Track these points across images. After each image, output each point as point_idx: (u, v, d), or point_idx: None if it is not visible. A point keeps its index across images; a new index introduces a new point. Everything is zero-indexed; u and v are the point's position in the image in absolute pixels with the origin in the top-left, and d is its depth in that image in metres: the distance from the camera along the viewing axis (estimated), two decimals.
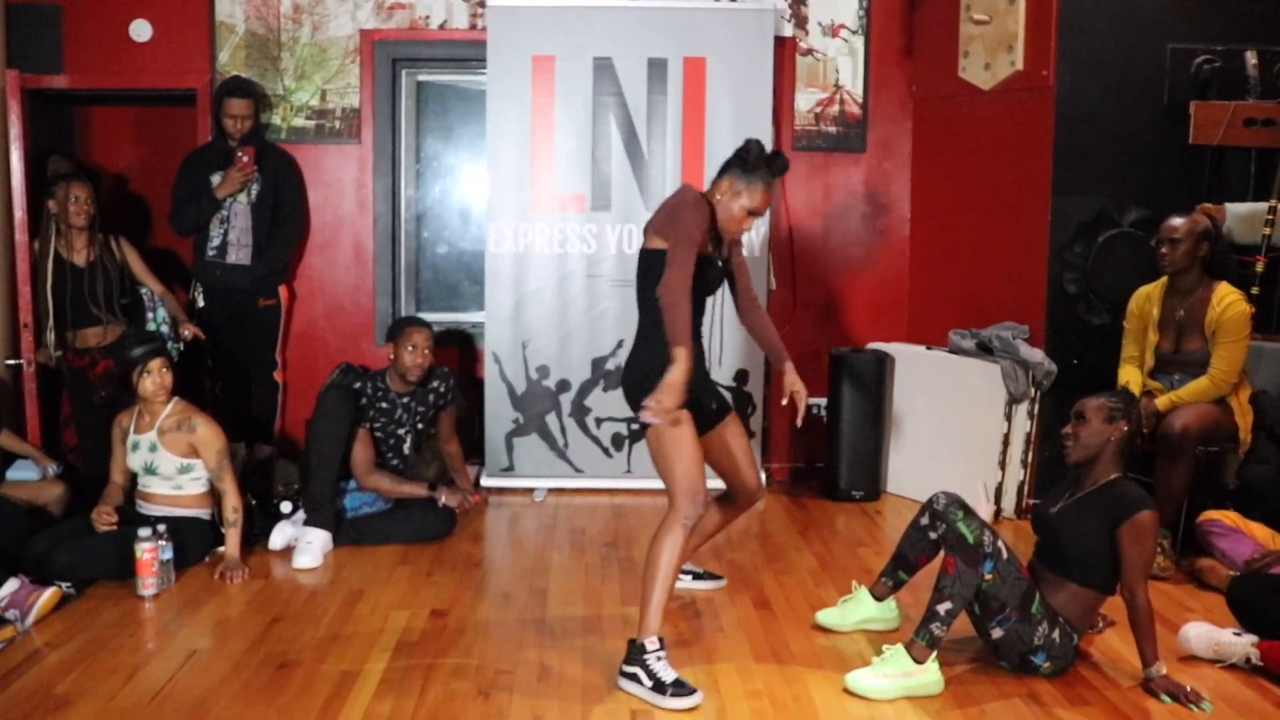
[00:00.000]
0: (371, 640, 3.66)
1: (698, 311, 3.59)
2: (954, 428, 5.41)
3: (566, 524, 5.10)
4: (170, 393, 4.34)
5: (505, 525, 5.14)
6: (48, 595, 3.81)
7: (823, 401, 5.80)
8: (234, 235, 5.42)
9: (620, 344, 5.57)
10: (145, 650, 3.60)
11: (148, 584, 4.00)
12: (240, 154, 5.35)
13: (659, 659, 3.28)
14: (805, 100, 5.94)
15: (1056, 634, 3.41)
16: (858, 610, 3.84)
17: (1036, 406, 5.22)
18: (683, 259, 3.35)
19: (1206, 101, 5.10)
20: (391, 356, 4.80)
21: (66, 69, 5.65)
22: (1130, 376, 4.74)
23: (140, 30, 5.66)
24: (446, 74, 6.12)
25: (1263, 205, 5.10)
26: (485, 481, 5.56)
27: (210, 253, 5.42)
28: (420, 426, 4.95)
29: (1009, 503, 5.28)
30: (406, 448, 4.94)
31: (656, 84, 5.54)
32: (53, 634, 3.68)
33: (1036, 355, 5.17)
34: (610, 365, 5.59)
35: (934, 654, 3.35)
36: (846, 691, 3.33)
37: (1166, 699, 3.31)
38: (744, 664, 3.57)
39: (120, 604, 3.94)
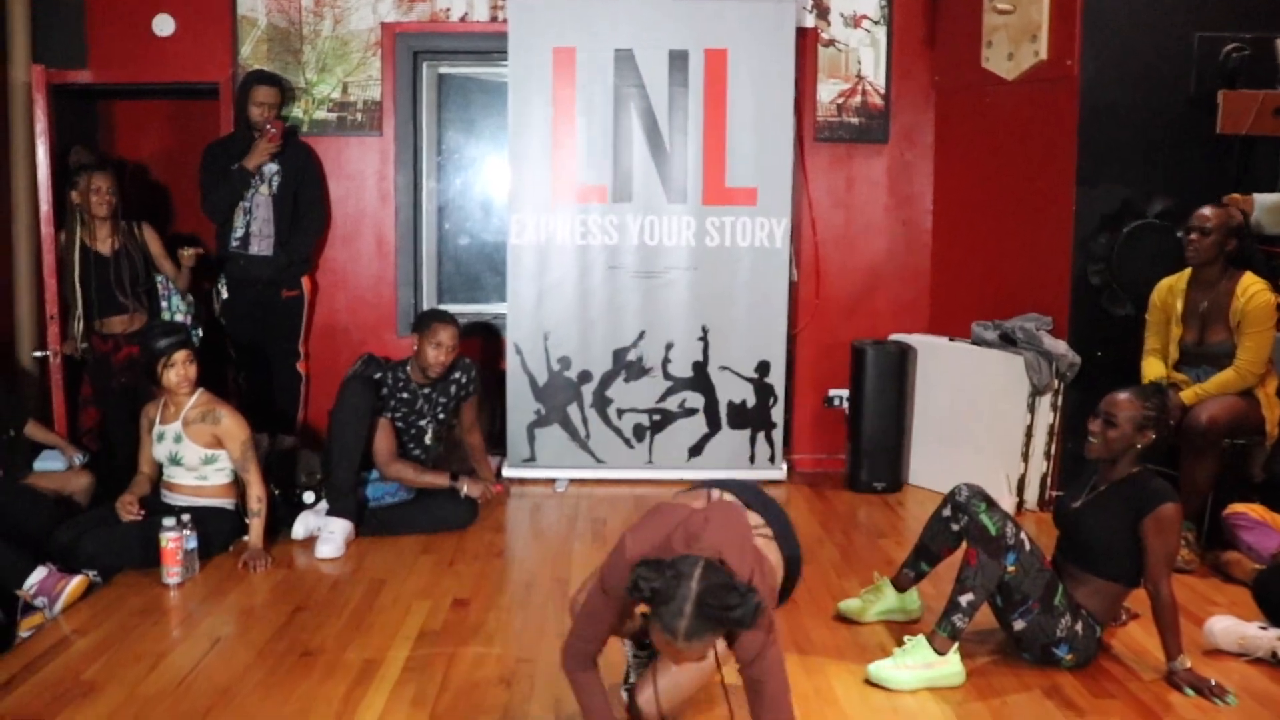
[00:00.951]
0: (394, 629, 3.68)
1: None
2: (976, 420, 5.38)
3: (588, 514, 5.11)
4: (194, 384, 4.37)
5: (527, 515, 5.15)
6: (75, 583, 3.85)
7: (845, 393, 5.79)
8: (256, 226, 5.45)
9: (642, 335, 5.57)
10: (170, 638, 3.63)
11: (172, 573, 4.03)
12: (269, 125, 5.35)
13: None
14: (827, 91, 5.91)
15: (1079, 626, 3.40)
16: (879, 601, 3.83)
17: (1060, 398, 5.19)
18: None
19: (1235, 90, 5.04)
20: (415, 348, 4.81)
21: (91, 63, 5.70)
22: (1153, 369, 4.69)
23: (163, 25, 5.69)
24: (468, 66, 6.13)
25: None
26: (507, 472, 5.58)
27: (234, 244, 5.45)
28: (442, 417, 4.97)
29: (1032, 495, 5.25)
30: (428, 438, 4.95)
31: (678, 75, 5.53)
32: (80, 621, 3.71)
33: (1060, 347, 5.14)
34: (631, 356, 5.59)
35: (956, 645, 3.34)
36: (868, 682, 3.33)
37: (1190, 692, 3.29)
38: None
39: (145, 592, 3.98)
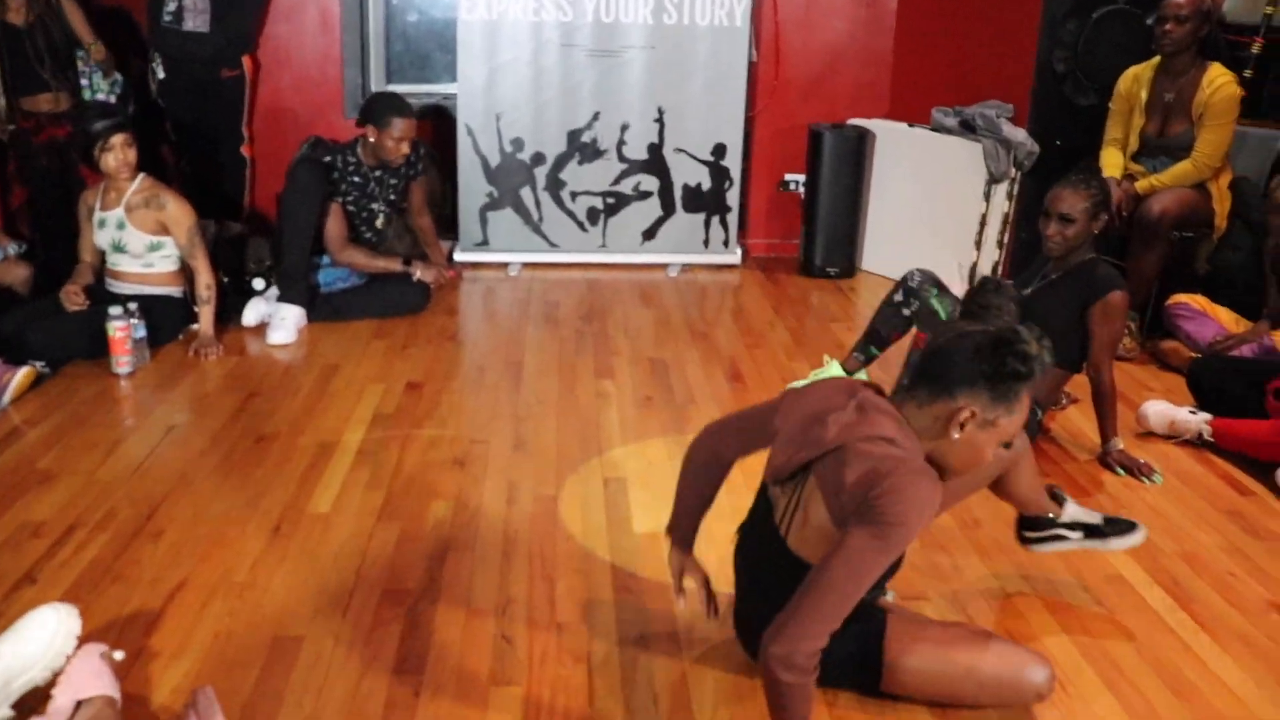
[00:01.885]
0: (348, 413, 3.71)
1: None
2: (932, 207, 5.37)
3: (541, 298, 5.11)
4: (134, 169, 4.24)
5: (480, 300, 5.14)
6: (22, 374, 3.80)
7: (801, 178, 5.74)
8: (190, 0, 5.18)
9: (596, 116, 5.44)
10: (123, 426, 3.64)
11: (122, 362, 4.00)
12: None
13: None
14: None
15: None
16: None
17: (1016, 187, 5.17)
18: (863, 586, 1.96)
19: None
20: (371, 138, 4.66)
21: None
22: (1112, 159, 4.67)
23: None
24: None
25: None
26: (459, 256, 5.53)
27: (166, 18, 5.18)
28: (393, 198, 4.88)
29: None
30: (380, 222, 4.87)
31: None
32: (30, 412, 3.70)
33: (1019, 135, 5.07)
34: (586, 138, 5.48)
35: None
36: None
37: (1121, 471, 3.42)
38: None
39: (96, 382, 3.96)
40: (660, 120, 5.50)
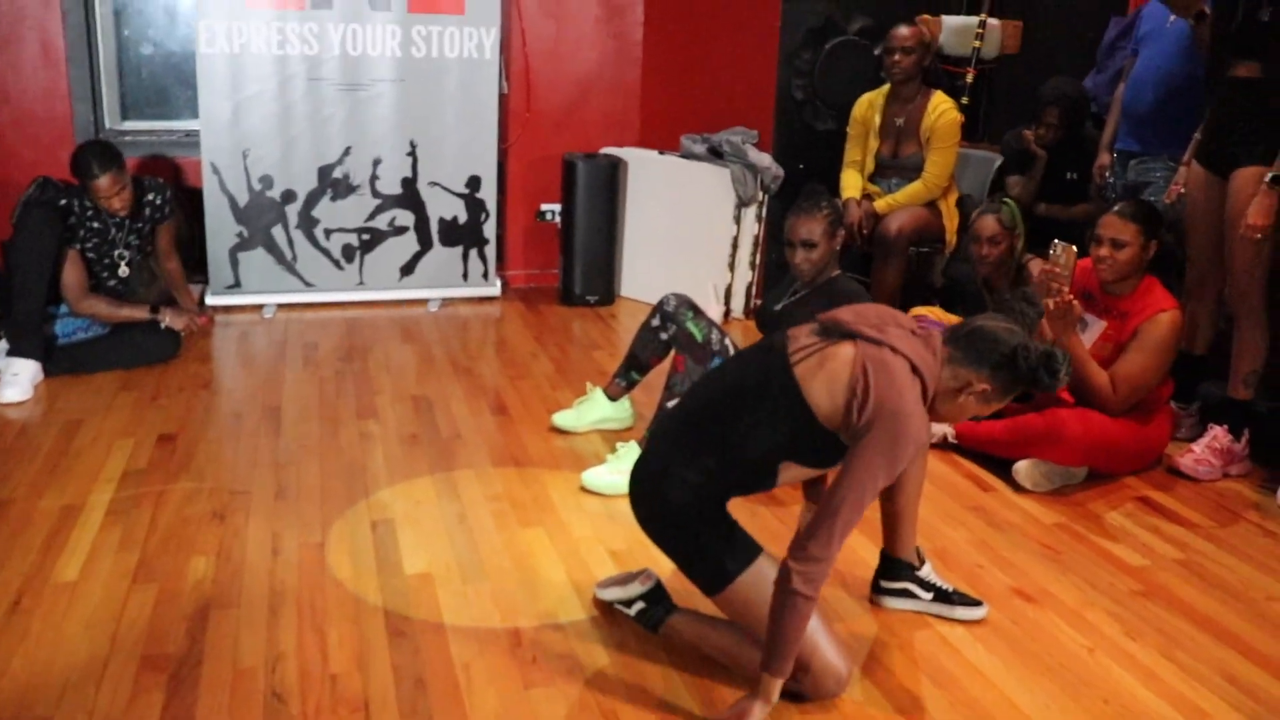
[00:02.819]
0: (94, 471, 3.50)
1: None
2: (685, 231, 5.53)
3: (299, 340, 4.97)
4: None
5: (234, 344, 4.96)
6: None
7: (557, 207, 5.81)
8: None
9: (348, 151, 5.35)
10: None
11: None
12: None
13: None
14: None
15: None
16: (592, 411, 3.95)
17: (764, 210, 5.39)
18: (851, 517, 2.24)
19: None
20: None
21: None
22: (851, 181, 4.95)
23: None
24: None
25: (974, 19, 5.34)
26: (210, 300, 5.31)
27: None
28: (137, 244, 4.65)
29: (738, 303, 5.49)
30: (123, 270, 4.63)
31: None
32: None
33: (765, 160, 5.30)
34: (338, 174, 5.37)
35: None
36: (583, 489, 3.46)
37: None
38: (483, 470, 3.63)
39: None
40: (413, 154, 5.45)
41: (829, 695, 2.44)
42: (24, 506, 3.25)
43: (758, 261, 5.46)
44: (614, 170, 5.62)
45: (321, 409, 4.12)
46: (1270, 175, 3.50)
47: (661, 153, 5.67)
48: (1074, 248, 3.57)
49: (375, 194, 5.44)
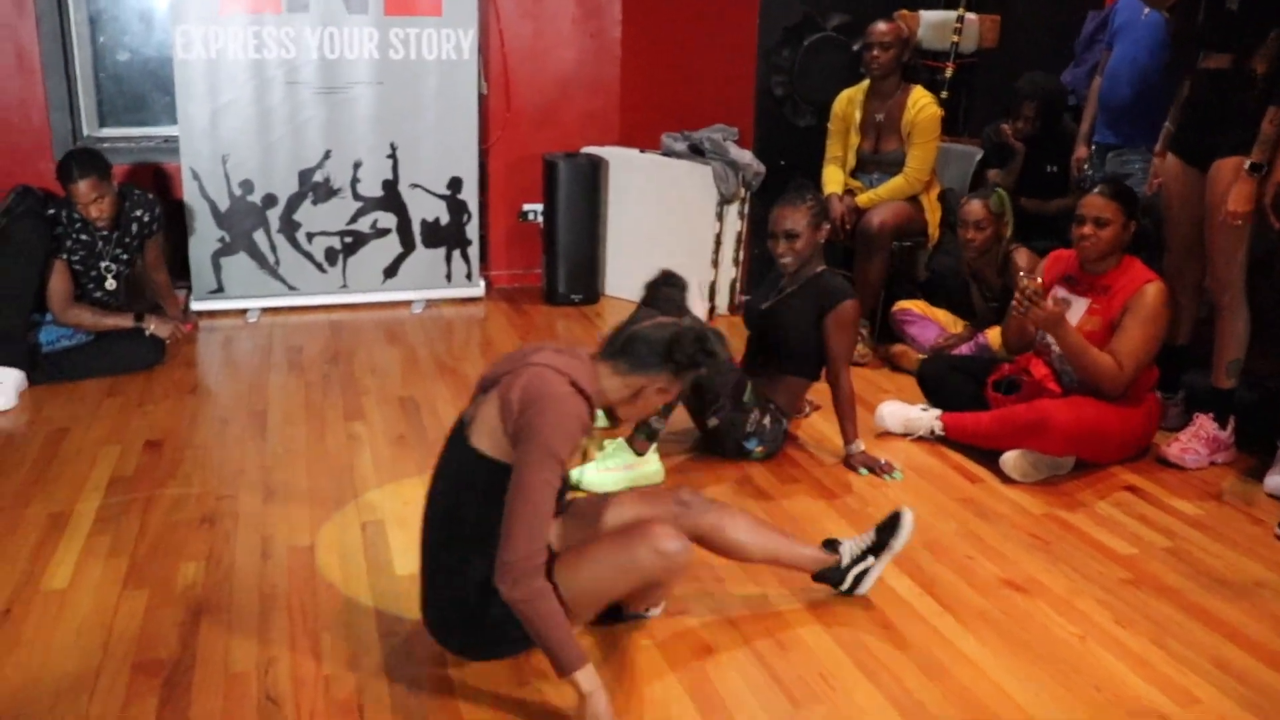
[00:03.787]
0: (81, 479, 3.48)
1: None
2: (668, 229, 5.53)
3: (283, 343, 4.95)
4: None
5: (218, 349, 4.93)
6: None
7: (539, 207, 5.81)
8: None
9: (328, 154, 5.33)
10: None
11: None
12: None
13: None
14: None
15: (768, 420, 3.63)
16: None
17: (746, 206, 5.41)
18: (527, 513, 2.25)
19: None
20: None
21: None
22: (833, 176, 4.96)
23: None
24: None
25: (952, 14, 5.36)
26: (194, 305, 5.29)
27: None
28: (125, 258, 4.63)
29: (722, 300, 5.50)
30: (110, 282, 4.61)
31: None
32: None
33: (746, 156, 5.32)
34: (319, 177, 5.35)
35: (654, 445, 3.51)
36: (574, 487, 3.45)
37: (864, 471, 3.63)
38: None
39: None
40: (394, 156, 5.44)
41: (670, 574, 2.49)
42: (11, 515, 3.23)
43: (741, 258, 5.47)
44: (595, 169, 5.62)
45: (308, 412, 4.11)
46: (1249, 162, 3.53)
47: (642, 151, 5.68)
48: (1024, 249, 3.62)
49: (357, 197, 5.43)
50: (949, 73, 5.41)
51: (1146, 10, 4.30)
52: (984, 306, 4.61)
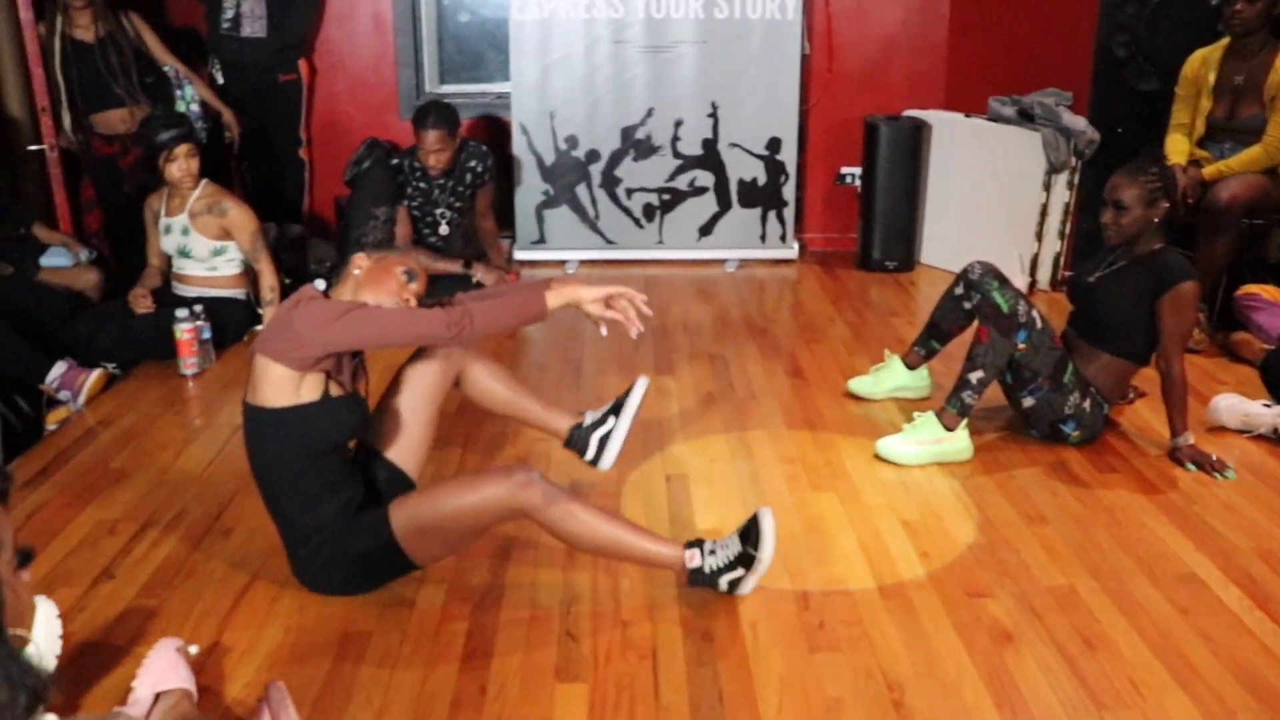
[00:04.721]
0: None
1: None
2: (991, 198, 5.31)
3: None
4: (197, 178, 4.31)
5: None
6: (95, 376, 3.90)
7: (857, 170, 5.71)
8: (247, 6, 5.24)
9: (650, 112, 5.45)
10: (192, 426, 3.71)
11: (189, 363, 4.07)
12: None
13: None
14: None
15: (1087, 403, 3.43)
16: (890, 378, 3.87)
17: (1077, 176, 5.10)
18: (384, 314, 2.63)
19: None
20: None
21: None
22: (1177, 146, 4.57)
23: None
24: None
25: None
26: (517, 254, 5.56)
27: (224, 25, 5.27)
28: (458, 205, 4.93)
29: (1044, 275, 5.23)
30: (443, 229, 4.92)
31: None
32: (104, 413, 3.79)
33: (1079, 123, 5.00)
34: (640, 135, 5.49)
35: (964, 421, 3.39)
36: (877, 457, 3.40)
37: (1191, 467, 3.35)
38: (777, 430, 3.64)
39: (165, 383, 4.03)
40: (714, 115, 5.49)
41: (520, 495, 2.46)
42: None
43: (1067, 231, 5.18)
44: (917, 133, 5.46)
45: (620, 363, 4.23)
46: None
47: (968, 115, 5.46)
48: None
49: (676, 154, 5.52)
50: None
51: None
52: None
